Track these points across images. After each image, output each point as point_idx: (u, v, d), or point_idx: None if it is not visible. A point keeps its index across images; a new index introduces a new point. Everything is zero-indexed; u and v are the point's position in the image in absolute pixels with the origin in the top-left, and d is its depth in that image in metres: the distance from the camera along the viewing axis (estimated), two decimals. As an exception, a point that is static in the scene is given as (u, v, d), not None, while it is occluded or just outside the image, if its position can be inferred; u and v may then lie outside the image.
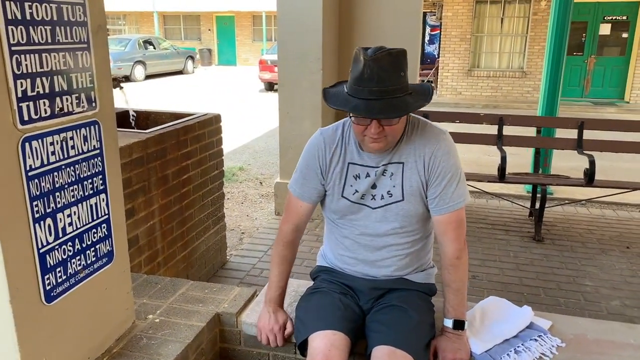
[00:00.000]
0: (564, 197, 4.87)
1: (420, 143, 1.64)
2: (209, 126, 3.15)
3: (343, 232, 1.76)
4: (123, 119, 2.96)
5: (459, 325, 1.66)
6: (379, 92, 1.48)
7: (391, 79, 1.49)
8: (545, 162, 4.74)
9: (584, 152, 3.99)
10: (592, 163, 3.74)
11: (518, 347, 1.69)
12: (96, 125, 1.55)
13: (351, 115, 1.56)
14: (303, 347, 1.66)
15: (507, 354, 1.66)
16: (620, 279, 3.35)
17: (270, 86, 15.42)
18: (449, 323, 1.66)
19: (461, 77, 13.30)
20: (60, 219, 1.44)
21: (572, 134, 4.14)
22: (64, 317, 1.48)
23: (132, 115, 3.11)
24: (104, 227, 1.62)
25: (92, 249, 1.58)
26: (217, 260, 3.42)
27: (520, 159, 5.42)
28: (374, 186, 1.67)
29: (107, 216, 1.63)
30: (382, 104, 1.49)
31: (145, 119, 3.18)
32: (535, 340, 1.72)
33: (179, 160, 2.85)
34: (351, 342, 1.63)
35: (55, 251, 1.43)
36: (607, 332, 1.82)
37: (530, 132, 4.48)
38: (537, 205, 4.12)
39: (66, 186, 1.45)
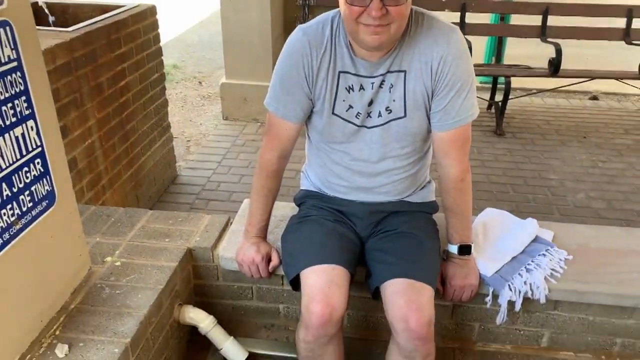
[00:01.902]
0: (516, 86, 4.76)
1: (427, 45, 1.33)
2: (143, 20, 2.64)
3: (332, 157, 1.49)
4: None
5: (465, 250, 1.50)
6: None
7: None
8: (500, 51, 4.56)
9: (548, 40, 3.82)
10: (558, 52, 3.57)
11: (529, 264, 1.56)
12: (7, 28, 1.12)
13: None
14: (295, 283, 1.46)
15: (519, 274, 1.54)
16: (582, 170, 3.36)
17: (194, -30, 13.92)
18: (454, 249, 1.50)
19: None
20: (-23, 160, 1.06)
21: (531, 20, 3.93)
22: (1, 282, 1.17)
23: (45, 8, 2.53)
24: (37, 163, 1.25)
25: (27, 192, 1.22)
26: (166, 176, 3.08)
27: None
28: (370, 102, 1.39)
29: (40, 148, 1.26)
30: None
31: (62, 13, 2.61)
32: (544, 255, 1.61)
33: (112, 65, 2.38)
34: (351, 275, 1.44)
35: (-23, 203, 1.08)
36: (608, 239, 1.74)
37: (484, 18, 4.23)
38: (497, 97, 3.99)
39: (-22, 115, 1.06)
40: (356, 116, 1.40)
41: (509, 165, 3.40)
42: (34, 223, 1.26)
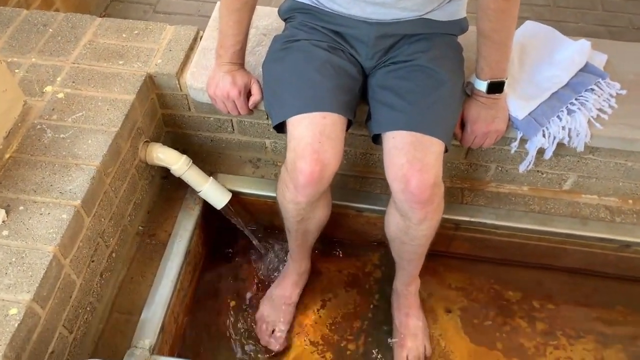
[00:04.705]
0: None
1: None
2: None
3: None
4: None
5: (496, 87, 1.15)
6: None
7: None
8: None
9: None
10: None
11: (572, 103, 1.25)
12: None
13: None
14: (280, 128, 1.18)
15: (558, 117, 1.24)
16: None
17: None
18: (482, 86, 1.15)
19: None
20: None
21: None
22: None
23: None
24: None
25: None
26: (130, -48, 2.51)
27: None
28: None
29: None
30: None
31: None
32: (592, 90, 1.28)
33: None
34: (348, 120, 1.15)
35: None
36: (676, 64, 1.39)
37: None
38: None
39: None
40: None
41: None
42: None
